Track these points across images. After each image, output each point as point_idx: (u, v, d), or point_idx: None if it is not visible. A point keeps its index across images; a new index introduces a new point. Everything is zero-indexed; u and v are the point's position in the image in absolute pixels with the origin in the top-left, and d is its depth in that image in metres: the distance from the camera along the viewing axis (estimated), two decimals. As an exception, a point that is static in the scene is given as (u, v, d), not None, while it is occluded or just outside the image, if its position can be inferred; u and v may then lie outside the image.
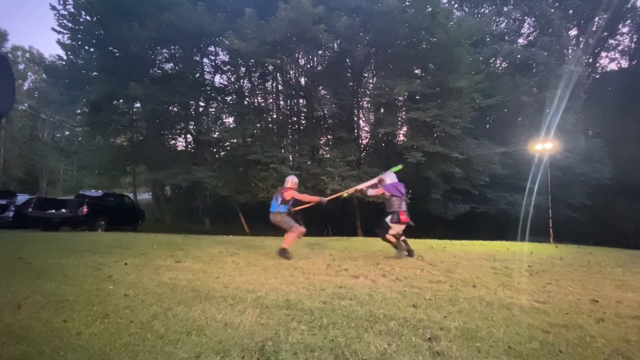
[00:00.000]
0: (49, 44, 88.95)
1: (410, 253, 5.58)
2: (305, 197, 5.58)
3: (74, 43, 15.91)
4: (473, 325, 2.40)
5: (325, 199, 5.80)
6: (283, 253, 5.24)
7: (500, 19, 22.54)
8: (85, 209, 10.75)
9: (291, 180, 5.71)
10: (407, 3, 14.28)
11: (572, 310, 2.89)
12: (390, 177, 5.64)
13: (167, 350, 1.91)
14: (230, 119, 18.62)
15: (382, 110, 17.02)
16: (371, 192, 5.72)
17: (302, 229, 5.52)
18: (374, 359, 1.89)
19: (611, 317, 2.74)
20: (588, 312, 2.87)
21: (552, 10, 19.13)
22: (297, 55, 16.98)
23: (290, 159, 17.31)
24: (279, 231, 6.20)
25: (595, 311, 2.90)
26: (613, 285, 3.99)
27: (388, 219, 5.37)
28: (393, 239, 5.51)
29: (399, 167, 6.22)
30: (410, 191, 14.75)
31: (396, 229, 5.40)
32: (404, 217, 5.27)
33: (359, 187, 6.12)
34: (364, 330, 2.26)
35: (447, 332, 2.26)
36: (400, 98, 15.28)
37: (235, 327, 2.25)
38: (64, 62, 16.43)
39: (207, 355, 1.86)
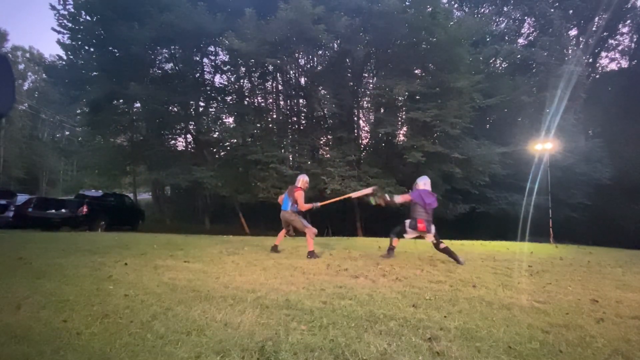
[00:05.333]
0: (49, 44, 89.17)
1: (457, 260, 5.29)
2: (302, 206, 5.54)
3: (74, 43, 15.91)
4: (473, 325, 2.40)
5: (318, 204, 5.76)
6: (312, 254, 5.33)
7: (500, 19, 22.54)
8: (85, 209, 10.76)
9: (302, 180, 5.74)
10: (407, 3, 14.25)
11: (572, 310, 2.89)
12: (422, 183, 5.61)
13: (167, 350, 1.91)
14: (230, 119, 18.65)
15: (382, 110, 17.00)
16: (398, 198, 5.56)
17: (314, 229, 5.59)
18: (374, 359, 1.89)
19: (611, 317, 2.74)
20: (588, 312, 2.87)
21: (552, 10, 19.13)
22: (297, 55, 16.96)
23: (290, 159, 17.31)
24: (278, 231, 6.21)
25: (595, 311, 2.90)
26: (613, 285, 3.99)
27: (407, 222, 5.37)
28: (396, 242, 5.62)
29: None
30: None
31: (410, 234, 5.41)
32: (421, 225, 5.23)
33: (353, 195, 6.31)
34: (364, 330, 2.26)
35: (447, 332, 2.26)
36: (400, 98, 15.25)
37: (235, 327, 2.25)
38: (64, 62, 16.44)
39: (207, 355, 1.86)
